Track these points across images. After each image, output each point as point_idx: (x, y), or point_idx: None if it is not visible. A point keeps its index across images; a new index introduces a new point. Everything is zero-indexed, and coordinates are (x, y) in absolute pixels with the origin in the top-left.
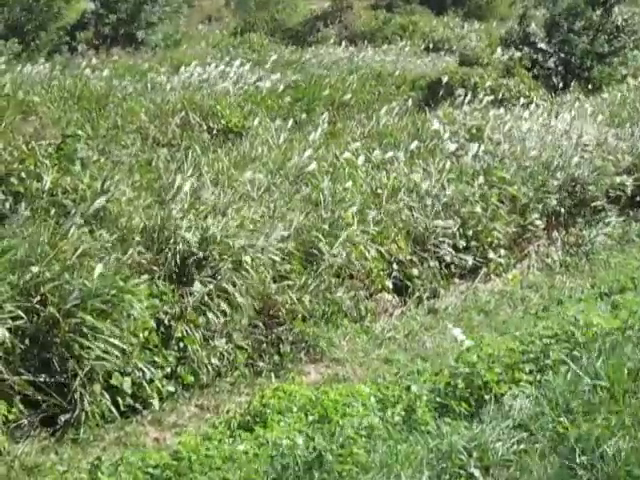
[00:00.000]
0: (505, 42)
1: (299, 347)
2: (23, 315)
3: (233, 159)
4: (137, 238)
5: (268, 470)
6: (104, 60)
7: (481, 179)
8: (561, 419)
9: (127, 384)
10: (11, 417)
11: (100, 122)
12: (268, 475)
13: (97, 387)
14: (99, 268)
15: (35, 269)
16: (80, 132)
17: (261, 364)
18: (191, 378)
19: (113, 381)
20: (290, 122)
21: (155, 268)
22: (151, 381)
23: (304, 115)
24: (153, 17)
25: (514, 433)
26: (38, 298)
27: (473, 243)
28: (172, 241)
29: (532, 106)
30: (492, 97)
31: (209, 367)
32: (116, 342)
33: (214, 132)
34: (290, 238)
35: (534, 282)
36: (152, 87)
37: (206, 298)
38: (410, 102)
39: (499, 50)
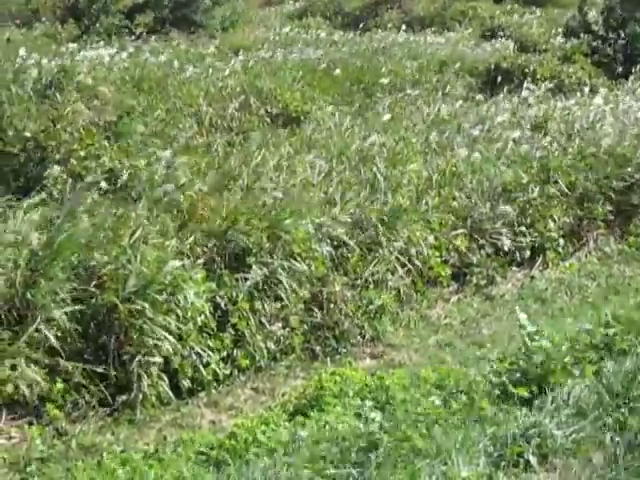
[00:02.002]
0: (567, 30)
1: (355, 332)
2: (81, 297)
3: (293, 144)
4: (197, 223)
5: (325, 453)
6: (163, 43)
7: (541, 167)
8: (621, 409)
9: (184, 367)
10: (69, 397)
11: (159, 105)
12: (324, 458)
13: (154, 369)
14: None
15: (93, 253)
16: (136, 112)
17: (317, 348)
18: (247, 361)
19: (170, 364)
20: (349, 107)
21: (214, 254)
22: (207, 364)
23: (363, 100)
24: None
25: (573, 421)
26: (96, 282)
27: (531, 231)
28: (231, 228)
29: (593, 93)
30: (552, 84)
31: (265, 351)
32: (173, 326)
33: (273, 116)
34: (348, 223)
35: (592, 271)
36: (211, 70)
37: (262, 283)
38: (470, 88)
39: (559, 37)
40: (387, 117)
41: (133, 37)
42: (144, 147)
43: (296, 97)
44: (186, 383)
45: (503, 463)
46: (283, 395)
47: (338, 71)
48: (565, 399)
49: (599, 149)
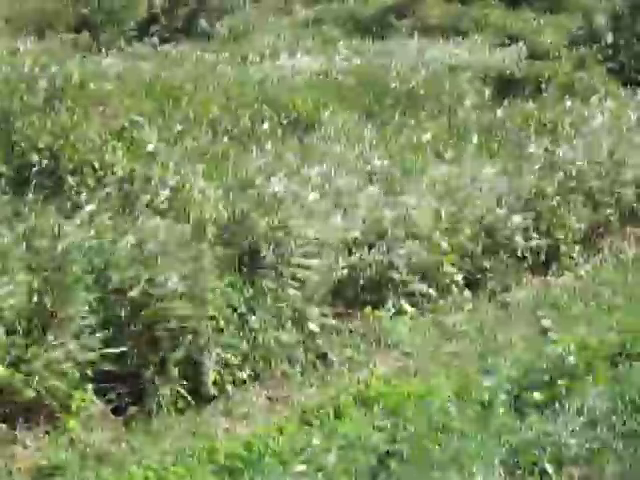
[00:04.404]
0: (573, 39)
1: (369, 339)
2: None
3: (303, 151)
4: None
5: (340, 462)
6: (174, 51)
7: (552, 173)
8: (637, 417)
9: (201, 373)
10: (84, 405)
11: (171, 114)
12: (340, 467)
13: (171, 376)
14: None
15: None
16: (140, 119)
17: (332, 356)
18: (261, 368)
19: (187, 370)
20: (360, 115)
21: (226, 257)
22: (225, 369)
23: (373, 107)
24: (221, 7)
25: (588, 429)
26: (112, 287)
27: (546, 237)
28: (242, 231)
29: (605, 100)
30: (564, 91)
31: (279, 357)
32: (192, 327)
33: (285, 124)
34: (358, 230)
35: (607, 278)
36: (223, 79)
37: (276, 286)
38: (481, 96)
39: (568, 45)
40: (396, 123)
41: (146, 45)
42: (155, 155)
43: (307, 105)
44: (203, 389)
45: (519, 472)
46: (298, 404)
47: (349, 79)
48: (579, 407)
49: (606, 153)
